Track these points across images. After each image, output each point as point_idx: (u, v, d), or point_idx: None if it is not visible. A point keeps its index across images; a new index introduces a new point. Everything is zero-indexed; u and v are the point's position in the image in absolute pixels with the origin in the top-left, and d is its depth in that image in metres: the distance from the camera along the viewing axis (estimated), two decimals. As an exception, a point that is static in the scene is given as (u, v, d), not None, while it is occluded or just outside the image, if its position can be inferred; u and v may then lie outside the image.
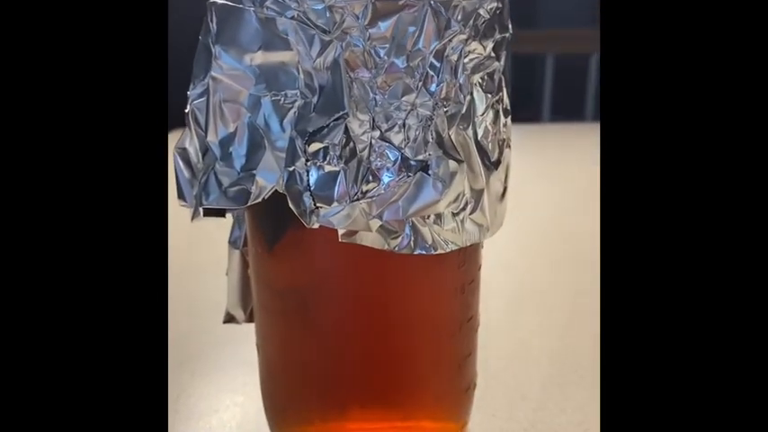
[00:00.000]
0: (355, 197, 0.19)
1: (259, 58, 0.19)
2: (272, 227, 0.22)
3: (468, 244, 0.21)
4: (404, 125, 0.19)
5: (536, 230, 0.54)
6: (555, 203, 0.61)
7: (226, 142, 0.20)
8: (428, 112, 0.19)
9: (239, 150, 0.20)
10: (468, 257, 0.23)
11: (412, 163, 0.19)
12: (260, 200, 0.19)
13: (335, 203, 0.19)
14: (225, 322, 0.28)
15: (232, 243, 0.27)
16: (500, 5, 0.20)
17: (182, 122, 0.21)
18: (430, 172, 0.19)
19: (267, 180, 0.19)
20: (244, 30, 0.19)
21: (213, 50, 0.20)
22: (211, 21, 0.20)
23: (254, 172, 0.20)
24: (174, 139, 0.21)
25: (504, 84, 0.21)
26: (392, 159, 0.19)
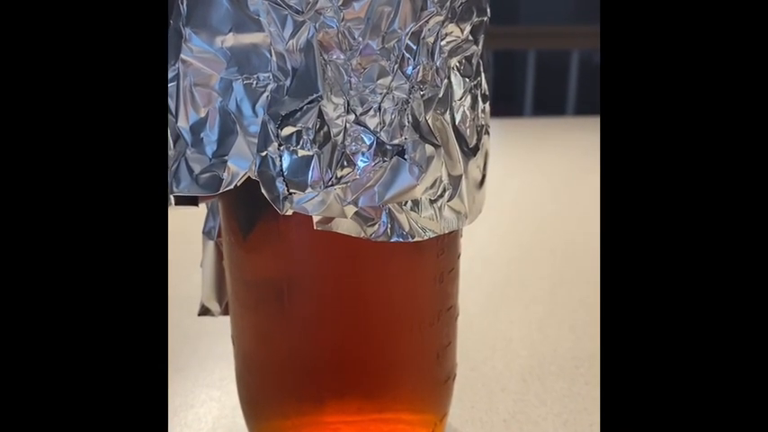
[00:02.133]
0: (330, 182, 0.18)
1: (230, 40, 0.18)
2: (246, 215, 0.21)
3: (447, 231, 0.20)
4: (379, 109, 0.18)
5: (516, 223, 0.54)
6: (536, 196, 0.61)
7: (197, 128, 0.20)
8: (404, 96, 0.18)
9: (210, 136, 0.20)
10: (446, 246, 0.22)
11: (388, 147, 0.18)
12: (232, 187, 0.19)
13: (309, 189, 0.18)
14: (200, 315, 0.28)
15: (206, 234, 0.27)
16: (478, -13, 0.20)
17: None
18: (406, 156, 0.18)
19: (239, 166, 0.19)
20: (214, 11, 0.18)
21: (183, 33, 0.19)
22: (182, 3, 0.19)
23: (226, 158, 0.19)
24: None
25: (482, 68, 0.21)
26: (367, 143, 0.18)
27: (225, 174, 0.19)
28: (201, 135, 0.20)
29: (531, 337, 0.35)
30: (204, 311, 0.28)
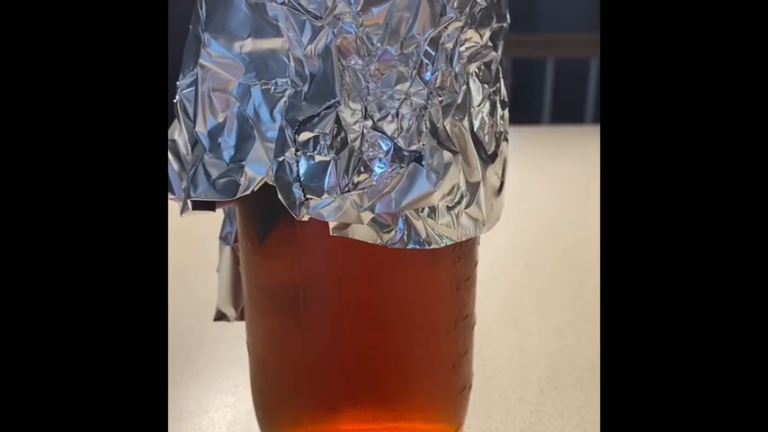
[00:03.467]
0: (346, 188, 0.18)
1: (249, 45, 0.18)
2: (263, 221, 0.21)
3: (464, 239, 0.20)
4: (397, 114, 0.18)
5: (534, 231, 0.53)
6: (554, 205, 0.60)
7: (215, 133, 0.20)
8: (422, 102, 0.18)
9: (228, 141, 0.20)
10: (463, 253, 0.22)
11: (405, 153, 0.18)
12: (249, 192, 0.19)
13: (326, 195, 0.18)
14: (216, 320, 0.28)
15: (223, 239, 0.27)
16: (497, -7, 0.19)
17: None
18: (423, 163, 0.18)
19: (256, 171, 0.19)
20: (233, 16, 0.18)
21: (202, 38, 0.19)
22: (201, 8, 0.19)
23: (244, 163, 0.19)
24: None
25: (501, 75, 0.21)
26: (384, 149, 0.18)
27: (242, 179, 0.19)
28: (219, 140, 0.20)
29: (549, 346, 0.35)
30: (220, 317, 0.28)
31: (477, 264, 0.24)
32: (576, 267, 0.45)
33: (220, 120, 0.20)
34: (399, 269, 0.21)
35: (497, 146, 0.21)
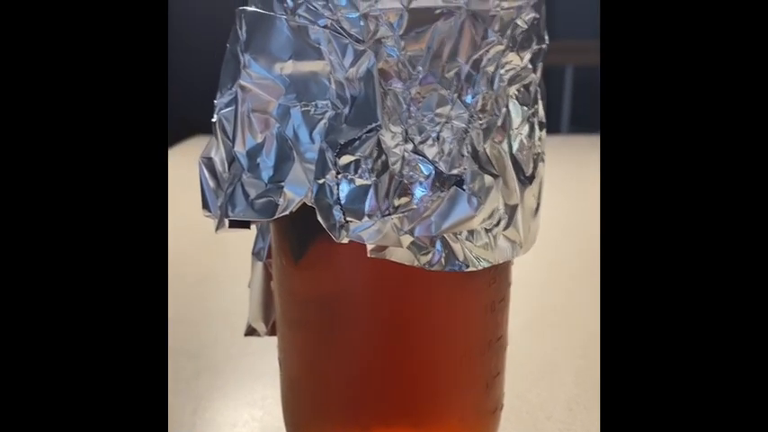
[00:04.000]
0: (387, 212, 0.18)
1: (290, 67, 0.19)
2: (299, 239, 0.21)
3: (501, 261, 0.20)
4: (438, 138, 0.18)
5: (558, 245, 0.53)
6: (575, 216, 0.60)
7: (253, 153, 0.20)
8: (463, 125, 0.18)
9: (267, 161, 0.20)
10: (498, 275, 0.22)
11: (446, 177, 0.18)
12: (287, 212, 0.19)
13: (366, 218, 0.18)
14: (246, 335, 0.28)
15: (255, 254, 0.27)
16: (538, 16, 0.19)
17: (201, 129, 0.21)
18: (465, 187, 0.18)
19: (295, 192, 0.19)
20: (275, 38, 0.19)
21: (242, 59, 0.19)
22: (240, 29, 0.19)
23: (282, 184, 0.19)
24: (194, 145, 0.21)
25: (539, 96, 0.21)
26: (425, 173, 0.18)
27: (281, 199, 0.19)
28: (258, 160, 0.20)
29: (577, 363, 0.34)
30: (250, 332, 0.28)
31: (510, 284, 0.23)
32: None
33: (259, 140, 0.20)
34: (435, 290, 0.21)
35: (535, 167, 0.21)
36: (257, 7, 0.19)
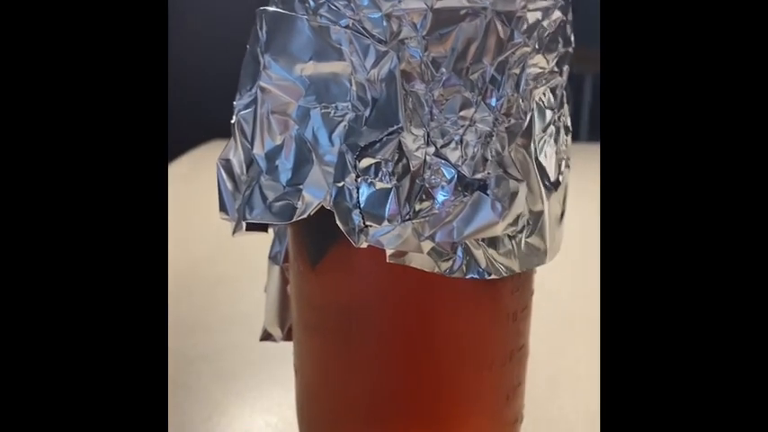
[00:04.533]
0: (407, 216, 0.18)
1: (310, 68, 0.18)
2: (317, 243, 0.21)
3: (525, 269, 0.19)
4: (461, 141, 0.18)
5: (578, 252, 0.52)
6: (595, 223, 0.59)
7: (272, 155, 0.20)
8: (488, 128, 0.18)
9: (286, 164, 0.19)
10: (521, 283, 0.21)
11: (469, 181, 0.18)
12: (305, 216, 0.19)
13: (386, 222, 0.18)
14: (262, 340, 0.28)
15: (272, 258, 0.26)
16: (564, 18, 0.19)
17: (218, 133, 0.21)
18: (488, 192, 0.18)
19: (314, 195, 0.18)
20: (295, 39, 0.18)
21: (262, 60, 0.19)
22: (261, 29, 0.19)
23: (301, 187, 0.19)
24: (214, 148, 0.21)
25: (565, 100, 0.20)
26: (448, 177, 0.18)
27: (299, 202, 0.19)
28: (276, 162, 0.19)
29: (598, 374, 0.34)
30: (266, 336, 0.27)
31: (533, 293, 0.23)
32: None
33: (278, 142, 0.19)
34: (455, 297, 0.20)
35: (560, 173, 0.20)
36: (278, 7, 0.19)
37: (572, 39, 0.20)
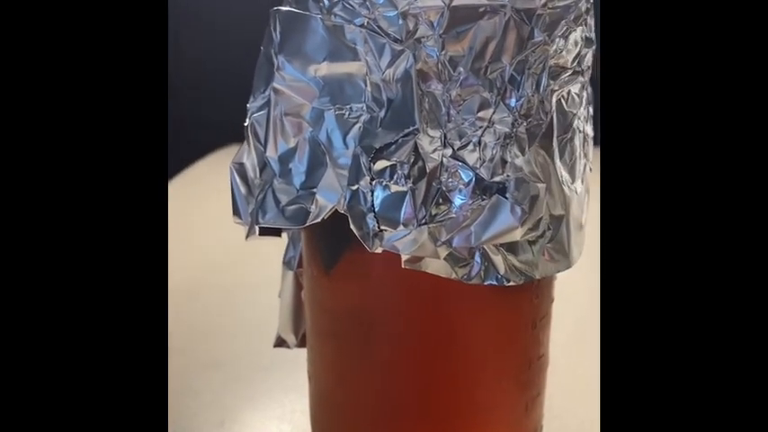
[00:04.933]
0: (423, 220, 0.17)
1: (324, 69, 0.18)
2: (331, 248, 0.20)
3: (545, 276, 0.19)
4: (479, 143, 0.17)
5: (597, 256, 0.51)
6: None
7: (285, 158, 0.19)
8: (507, 129, 0.17)
9: (299, 167, 0.19)
10: (541, 290, 0.21)
11: (488, 184, 0.17)
12: (319, 220, 0.18)
13: (401, 227, 0.17)
14: (275, 346, 0.27)
15: (286, 263, 0.26)
16: (586, 17, 0.18)
17: (232, 138, 0.20)
18: (507, 195, 0.17)
19: (328, 199, 0.18)
20: (309, 39, 0.18)
21: (276, 61, 0.19)
22: (275, 30, 0.19)
23: (315, 190, 0.18)
24: (230, 153, 0.20)
25: (588, 101, 0.19)
26: (465, 180, 0.17)
27: (312, 206, 0.18)
28: (290, 165, 0.19)
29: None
30: (280, 343, 0.27)
31: (553, 301, 0.22)
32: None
33: (292, 144, 0.19)
34: (473, 305, 0.20)
35: (582, 176, 0.20)
36: (291, 7, 0.18)
37: (594, 39, 0.19)
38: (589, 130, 0.20)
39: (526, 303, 0.20)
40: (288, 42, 0.18)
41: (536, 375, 0.22)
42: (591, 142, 0.20)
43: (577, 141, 0.19)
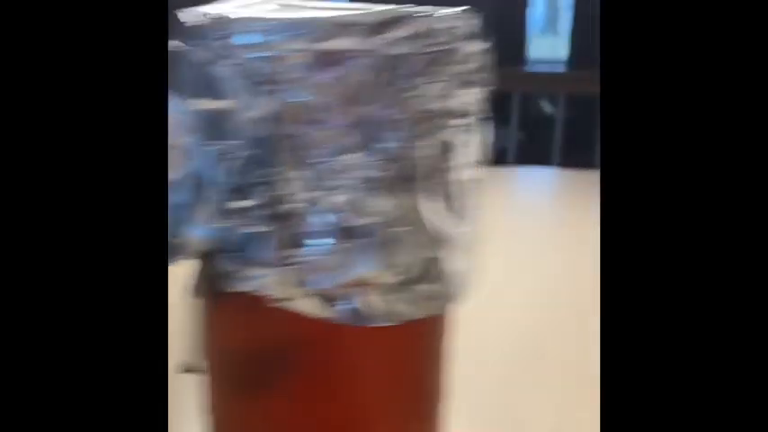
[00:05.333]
0: (286, 261, 0.17)
1: (199, 104, 0.18)
2: (212, 284, 0.20)
3: (424, 315, 0.19)
4: (344, 186, 0.17)
5: (552, 280, 0.50)
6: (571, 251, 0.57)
7: (174, 189, 0.19)
8: (372, 173, 0.17)
9: (182, 200, 0.19)
10: (429, 327, 0.20)
11: (351, 228, 0.17)
12: (190, 256, 0.18)
13: (264, 268, 0.17)
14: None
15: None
16: (466, 60, 0.18)
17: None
18: (371, 238, 0.17)
19: (198, 235, 0.18)
20: (185, 74, 0.18)
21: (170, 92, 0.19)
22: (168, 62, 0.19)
23: (187, 226, 0.18)
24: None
25: (469, 143, 0.19)
26: (329, 223, 0.17)
27: (186, 241, 0.18)
28: (176, 198, 0.19)
29: (550, 421, 0.32)
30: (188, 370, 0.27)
31: (444, 335, 0.22)
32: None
33: (178, 176, 0.19)
34: (356, 342, 0.20)
35: (458, 219, 0.19)
36: (179, 40, 0.19)
37: (478, 81, 0.19)
38: (470, 171, 0.20)
39: (417, 340, 0.20)
40: (172, 75, 0.19)
41: (432, 409, 0.21)
42: (467, 186, 0.20)
43: (449, 185, 0.19)
